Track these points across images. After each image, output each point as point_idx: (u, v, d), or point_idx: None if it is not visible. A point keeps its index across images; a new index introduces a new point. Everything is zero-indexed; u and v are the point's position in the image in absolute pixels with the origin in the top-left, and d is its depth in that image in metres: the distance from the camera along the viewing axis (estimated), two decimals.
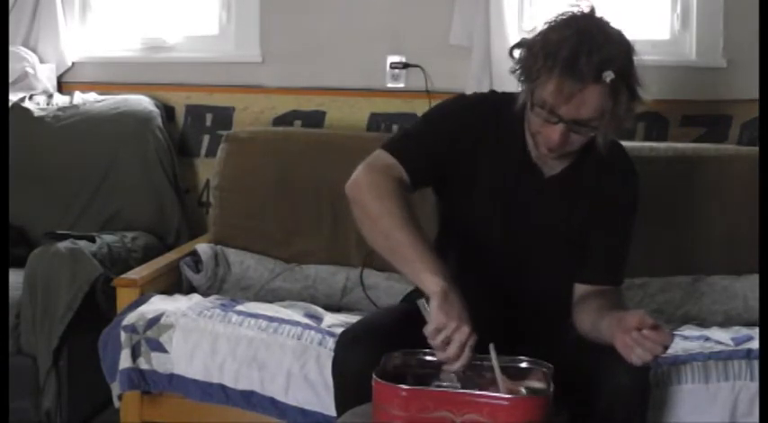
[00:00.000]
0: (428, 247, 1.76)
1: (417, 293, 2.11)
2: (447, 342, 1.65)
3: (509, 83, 3.09)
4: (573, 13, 1.81)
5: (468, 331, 1.65)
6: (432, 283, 1.69)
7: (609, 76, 1.71)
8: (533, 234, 1.95)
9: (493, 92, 2.08)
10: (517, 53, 1.85)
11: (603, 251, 1.97)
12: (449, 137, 1.92)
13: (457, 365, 1.65)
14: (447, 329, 1.64)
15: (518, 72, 1.84)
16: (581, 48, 1.72)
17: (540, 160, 1.93)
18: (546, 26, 1.81)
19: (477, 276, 1.94)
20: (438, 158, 1.92)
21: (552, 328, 1.94)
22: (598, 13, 1.82)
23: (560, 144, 1.81)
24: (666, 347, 1.69)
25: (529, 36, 1.85)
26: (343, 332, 1.93)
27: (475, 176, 1.94)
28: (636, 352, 1.68)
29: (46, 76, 3.38)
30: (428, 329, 1.66)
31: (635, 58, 1.80)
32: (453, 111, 1.99)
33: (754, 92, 2.73)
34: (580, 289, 1.97)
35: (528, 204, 1.94)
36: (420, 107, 3.22)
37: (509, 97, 1.92)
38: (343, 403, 1.83)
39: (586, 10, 1.82)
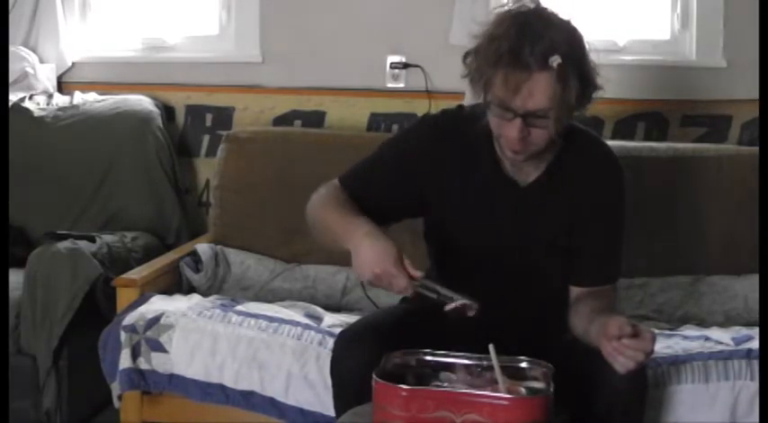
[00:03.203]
0: (356, 215, 1.84)
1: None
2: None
3: None
4: (516, 9, 1.80)
5: (388, 269, 1.72)
6: (351, 237, 1.78)
7: (555, 60, 1.70)
8: (516, 247, 1.93)
9: (460, 107, 2.03)
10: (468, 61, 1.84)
11: (593, 253, 1.94)
12: (403, 166, 1.93)
13: (409, 294, 1.76)
14: (375, 280, 1.75)
15: (468, 76, 1.83)
16: (523, 38, 1.71)
17: (514, 170, 1.90)
18: (488, 25, 1.81)
19: (472, 293, 1.94)
20: (395, 188, 1.93)
21: (548, 333, 1.93)
22: (547, 7, 1.81)
23: (521, 141, 1.77)
24: (648, 353, 1.66)
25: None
26: (342, 332, 1.93)
27: (445, 199, 1.93)
28: (618, 360, 1.66)
29: (46, 76, 3.38)
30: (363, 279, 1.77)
31: (586, 45, 1.80)
32: (408, 138, 2.00)
33: (754, 92, 2.73)
34: (574, 291, 1.96)
35: (506, 218, 1.92)
36: (420, 107, 3.22)
37: (476, 111, 1.89)
38: (341, 403, 1.83)
39: (531, 5, 1.81)
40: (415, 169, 1.92)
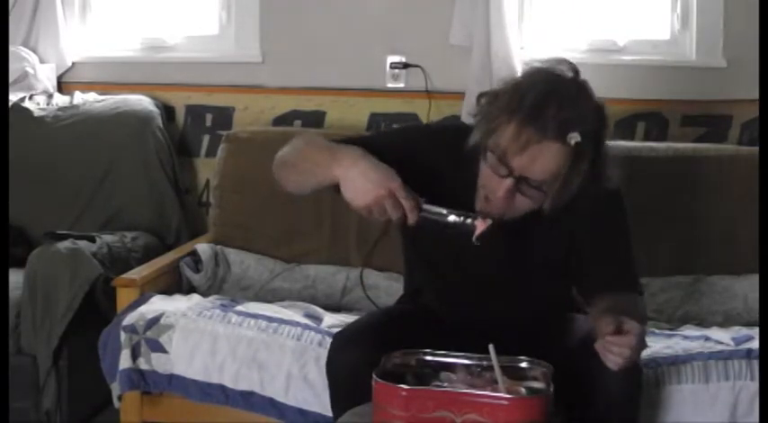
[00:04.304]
0: (333, 144, 1.72)
1: (412, 294, 2.12)
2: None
3: None
4: (552, 68, 1.67)
5: (386, 193, 1.61)
6: (336, 173, 1.66)
7: (574, 138, 1.57)
8: (505, 277, 1.86)
9: (459, 122, 1.95)
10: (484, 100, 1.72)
11: (600, 272, 1.83)
12: (396, 157, 1.75)
13: (410, 218, 1.64)
14: (372, 207, 1.63)
15: (477, 117, 1.69)
16: (551, 98, 1.59)
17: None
18: (521, 73, 1.69)
19: (453, 308, 1.92)
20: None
21: (548, 334, 1.90)
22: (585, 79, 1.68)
23: (503, 201, 1.65)
24: (634, 348, 1.60)
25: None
26: (338, 333, 1.94)
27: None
28: (608, 358, 1.62)
29: (46, 76, 3.38)
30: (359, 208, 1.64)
31: (607, 141, 1.65)
32: (409, 136, 1.90)
33: (754, 92, 2.73)
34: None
35: (485, 249, 1.76)
36: (420, 107, 3.23)
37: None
38: (337, 403, 1.83)
39: (569, 73, 1.67)
40: (409, 166, 1.75)
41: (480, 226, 1.65)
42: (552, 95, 1.59)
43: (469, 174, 1.75)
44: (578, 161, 1.59)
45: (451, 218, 1.66)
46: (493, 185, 1.67)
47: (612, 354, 1.61)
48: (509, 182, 1.63)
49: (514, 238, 1.81)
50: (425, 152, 1.82)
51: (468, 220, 1.66)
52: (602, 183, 1.66)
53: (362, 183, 1.64)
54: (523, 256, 1.86)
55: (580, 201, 1.68)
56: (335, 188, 1.73)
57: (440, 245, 1.88)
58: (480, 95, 1.74)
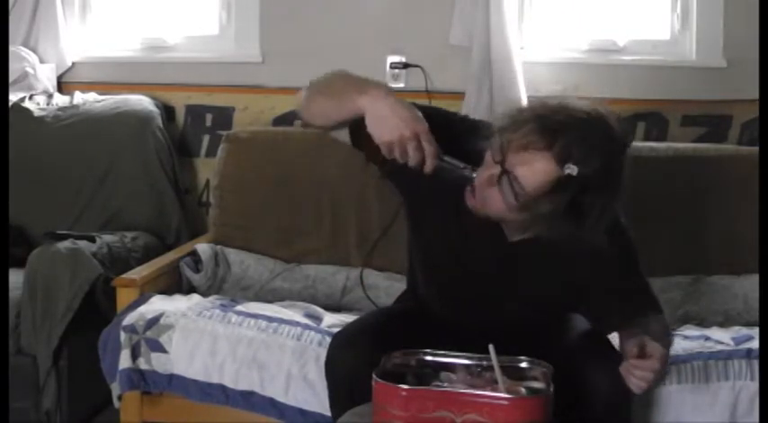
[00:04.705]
0: (361, 77, 1.70)
1: (411, 294, 2.12)
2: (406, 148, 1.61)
3: (509, 83, 3.10)
4: (611, 121, 1.65)
5: (411, 133, 1.59)
6: (361, 102, 1.63)
7: (569, 168, 1.57)
8: (496, 277, 1.85)
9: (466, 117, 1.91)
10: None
11: (620, 311, 1.82)
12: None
13: (428, 165, 1.62)
14: (395, 144, 1.60)
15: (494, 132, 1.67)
16: (571, 126, 1.59)
17: (506, 224, 1.77)
18: (586, 107, 1.66)
19: (453, 307, 1.92)
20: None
21: (548, 334, 1.90)
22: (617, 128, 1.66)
23: (482, 185, 1.65)
24: (657, 371, 1.63)
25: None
26: (337, 333, 1.94)
27: (428, 216, 1.84)
28: (631, 381, 1.64)
29: (46, 76, 3.38)
30: (383, 142, 1.61)
31: (618, 199, 1.65)
32: (450, 117, 1.85)
33: (754, 92, 2.73)
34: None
35: (489, 268, 1.82)
36: None
37: (480, 126, 1.78)
38: (337, 404, 1.83)
39: (619, 134, 1.65)
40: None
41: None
42: (579, 129, 1.59)
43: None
44: (562, 191, 1.59)
45: (467, 172, 1.66)
46: (482, 172, 1.67)
47: (635, 377, 1.63)
48: (496, 169, 1.64)
49: (517, 266, 1.81)
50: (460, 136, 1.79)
51: (473, 172, 1.66)
52: (587, 230, 1.64)
53: (390, 118, 1.61)
54: (524, 285, 1.86)
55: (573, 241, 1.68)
56: (354, 127, 1.70)
57: (442, 242, 1.89)
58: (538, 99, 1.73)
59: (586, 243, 1.71)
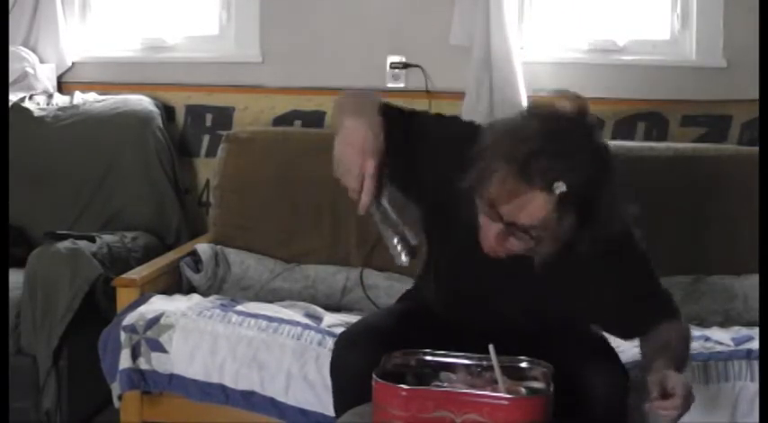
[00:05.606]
0: (364, 103, 1.68)
1: (414, 292, 2.13)
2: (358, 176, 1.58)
3: (509, 83, 3.10)
4: (554, 109, 1.64)
5: (358, 162, 1.57)
6: (344, 121, 1.62)
7: (559, 188, 1.55)
8: (497, 278, 1.82)
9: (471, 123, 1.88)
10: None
11: (637, 317, 1.83)
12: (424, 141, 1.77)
13: (361, 200, 1.58)
14: (342, 163, 1.59)
15: (477, 158, 1.64)
16: (543, 149, 1.56)
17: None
18: (522, 113, 1.66)
19: (453, 307, 1.92)
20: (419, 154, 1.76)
21: (540, 340, 1.87)
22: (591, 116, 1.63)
23: (497, 245, 1.65)
24: (681, 406, 1.61)
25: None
26: (342, 334, 1.93)
27: (454, 220, 1.80)
28: (658, 416, 1.64)
29: (46, 76, 3.38)
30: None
31: (614, 180, 1.61)
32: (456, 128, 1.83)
33: (754, 92, 2.73)
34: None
35: (502, 282, 1.79)
36: (420, 107, 3.16)
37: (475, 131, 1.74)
38: (341, 404, 1.83)
39: (572, 113, 1.63)
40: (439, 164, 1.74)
41: (405, 258, 1.60)
42: (546, 145, 1.56)
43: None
44: (565, 211, 1.57)
45: (390, 236, 1.60)
46: (485, 228, 1.66)
47: (660, 415, 1.63)
48: (498, 227, 1.63)
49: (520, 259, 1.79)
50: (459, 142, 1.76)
51: (399, 249, 1.59)
52: (605, 224, 1.63)
53: (351, 137, 1.61)
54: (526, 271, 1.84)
55: (587, 243, 1.65)
56: None
57: (445, 242, 1.89)
58: (486, 128, 1.71)
59: (609, 247, 1.70)
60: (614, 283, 1.79)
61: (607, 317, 1.88)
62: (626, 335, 1.92)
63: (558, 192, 1.55)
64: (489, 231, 1.65)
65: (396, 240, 1.59)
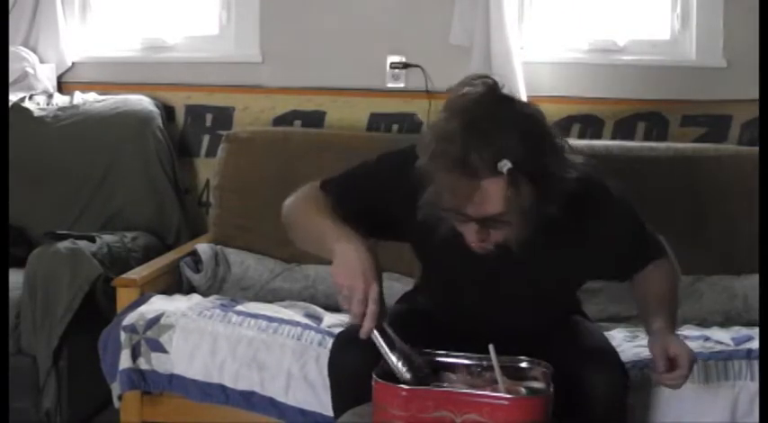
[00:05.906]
0: (340, 224, 1.73)
1: (413, 294, 2.12)
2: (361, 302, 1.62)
3: (509, 83, 3.10)
4: (468, 97, 1.64)
5: (362, 287, 1.61)
6: (334, 247, 1.68)
7: (505, 166, 1.55)
8: (498, 278, 1.85)
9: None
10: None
11: (630, 264, 1.94)
12: (376, 189, 1.82)
13: (365, 325, 1.61)
14: (345, 289, 1.63)
15: (420, 170, 1.64)
16: (470, 142, 1.57)
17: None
18: (441, 114, 1.65)
19: (457, 311, 1.93)
20: (377, 204, 1.81)
21: (540, 340, 1.88)
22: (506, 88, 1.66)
23: (481, 241, 1.68)
24: (686, 378, 1.78)
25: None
26: (340, 334, 1.93)
27: (423, 238, 1.83)
28: (665, 385, 1.83)
29: (46, 76, 3.38)
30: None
31: (549, 131, 1.64)
32: (405, 159, 1.80)
33: (754, 92, 2.73)
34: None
35: (495, 270, 1.81)
36: (420, 107, 3.23)
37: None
38: (340, 404, 1.82)
39: (484, 93, 1.64)
40: (389, 195, 1.79)
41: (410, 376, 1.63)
42: (472, 135, 1.58)
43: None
44: (519, 182, 1.58)
45: (393, 360, 1.63)
46: (464, 231, 1.69)
47: (667, 385, 1.82)
48: (473, 225, 1.65)
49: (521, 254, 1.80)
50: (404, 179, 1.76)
51: (403, 369, 1.62)
52: (561, 177, 1.64)
53: (351, 264, 1.66)
54: (528, 271, 1.85)
55: (554, 201, 1.65)
56: None
57: (438, 261, 1.91)
58: (418, 140, 1.71)
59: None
60: (601, 237, 1.82)
61: (599, 269, 1.96)
62: (618, 279, 2.03)
63: (505, 170, 1.56)
64: (469, 234, 1.68)
65: (398, 360, 1.63)
